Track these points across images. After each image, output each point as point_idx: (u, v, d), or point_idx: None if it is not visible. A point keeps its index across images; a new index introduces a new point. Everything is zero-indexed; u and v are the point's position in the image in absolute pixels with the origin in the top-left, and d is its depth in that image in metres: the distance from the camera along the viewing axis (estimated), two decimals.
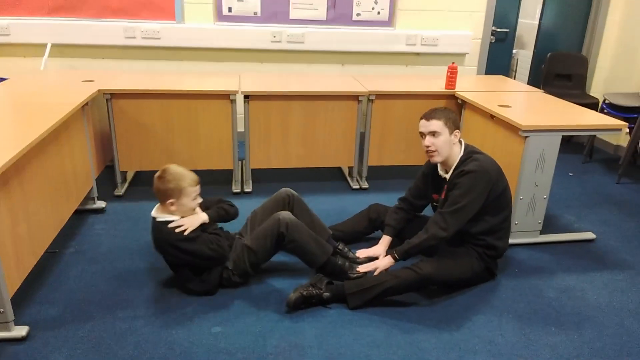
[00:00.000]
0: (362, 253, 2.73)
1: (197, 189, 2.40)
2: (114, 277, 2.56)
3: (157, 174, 2.38)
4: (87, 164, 3.14)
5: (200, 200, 2.43)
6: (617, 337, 2.27)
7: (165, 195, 2.34)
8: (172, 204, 2.35)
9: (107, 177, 3.65)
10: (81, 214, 3.17)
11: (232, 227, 2.70)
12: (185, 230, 2.34)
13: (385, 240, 2.79)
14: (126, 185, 3.65)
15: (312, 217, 2.73)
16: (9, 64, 4.19)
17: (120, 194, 3.51)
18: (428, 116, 2.52)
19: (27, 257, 2.28)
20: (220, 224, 2.62)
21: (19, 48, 4.19)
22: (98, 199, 3.30)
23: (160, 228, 2.35)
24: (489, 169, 2.45)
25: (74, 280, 2.53)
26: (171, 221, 2.35)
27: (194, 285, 2.43)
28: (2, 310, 2.04)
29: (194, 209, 2.42)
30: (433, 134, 2.49)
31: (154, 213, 2.40)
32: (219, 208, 2.54)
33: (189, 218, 2.39)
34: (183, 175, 2.36)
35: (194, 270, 2.42)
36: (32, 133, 2.28)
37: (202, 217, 2.43)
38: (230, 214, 2.58)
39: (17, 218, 2.19)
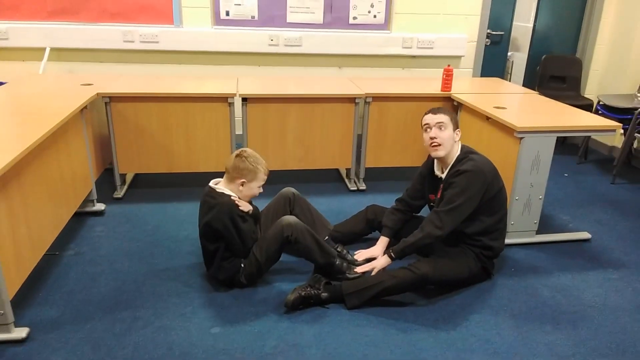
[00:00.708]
0: (360, 255, 2.75)
1: (266, 179, 2.53)
2: (113, 279, 2.58)
3: (235, 152, 2.50)
4: (86, 166, 3.16)
5: (262, 190, 2.55)
6: (613, 335, 2.30)
7: (240, 173, 2.45)
8: (242, 184, 2.47)
9: (106, 179, 3.66)
10: (81, 216, 3.19)
11: None
12: (241, 207, 2.45)
13: (383, 241, 2.81)
14: (125, 187, 3.66)
15: (313, 214, 2.86)
16: (8, 68, 4.20)
17: (120, 196, 3.52)
18: (435, 110, 2.58)
19: (27, 259, 2.29)
20: None
21: (18, 52, 4.21)
22: (97, 202, 3.32)
23: (223, 196, 2.44)
24: (484, 169, 2.48)
25: (74, 282, 2.54)
26: (232, 196, 2.45)
27: (214, 271, 2.50)
28: (2, 312, 2.05)
29: (253, 196, 2.54)
30: (440, 125, 2.52)
31: (214, 184, 2.50)
32: (256, 208, 2.61)
33: (244, 202, 2.51)
34: (261, 160, 2.51)
35: (224, 252, 2.47)
36: (31, 136, 2.29)
37: (250, 206, 2.53)
38: (258, 216, 2.66)
39: (17, 220, 2.20)
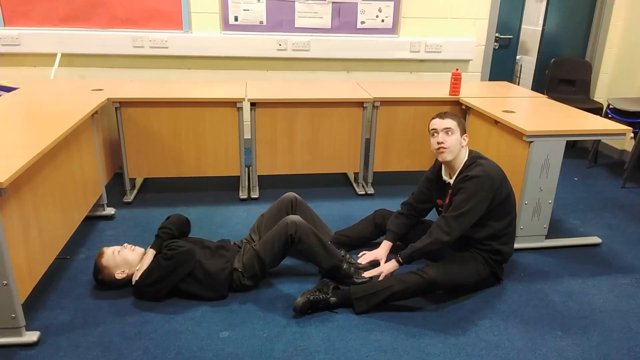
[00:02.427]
0: (365, 258, 2.76)
1: (110, 254, 2.49)
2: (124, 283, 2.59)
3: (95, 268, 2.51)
4: (97, 171, 3.19)
5: (126, 247, 2.52)
6: (624, 341, 2.28)
7: (110, 272, 2.48)
8: (121, 273, 2.48)
9: (116, 184, 3.69)
10: (91, 220, 3.22)
11: (239, 233, 2.72)
12: (142, 270, 2.42)
13: (387, 244, 2.81)
14: (135, 192, 3.69)
15: (315, 221, 2.83)
16: (20, 73, 4.26)
17: (129, 200, 3.55)
18: (442, 115, 2.56)
19: (38, 263, 2.31)
20: (226, 237, 2.69)
21: (29, 58, 4.26)
22: (107, 206, 3.34)
23: (134, 286, 2.45)
24: (492, 174, 2.47)
25: (85, 285, 2.56)
26: (128, 277, 2.48)
27: (206, 294, 2.45)
28: (13, 315, 2.07)
29: (133, 259, 2.49)
30: (447, 131, 2.51)
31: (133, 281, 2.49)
32: (158, 234, 2.56)
33: (141, 262, 2.47)
34: (101, 262, 2.49)
35: (193, 283, 2.43)
36: (42, 141, 2.31)
37: (151, 251, 2.50)
38: (181, 231, 2.63)
39: (29, 225, 2.23)
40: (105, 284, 2.50)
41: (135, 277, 2.42)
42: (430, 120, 2.60)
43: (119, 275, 2.47)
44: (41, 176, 2.37)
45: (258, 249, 2.48)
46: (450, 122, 2.52)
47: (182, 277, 2.41)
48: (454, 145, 2.51)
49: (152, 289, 2.40)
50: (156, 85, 3.76)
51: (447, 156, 2.54)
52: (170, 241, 2.48)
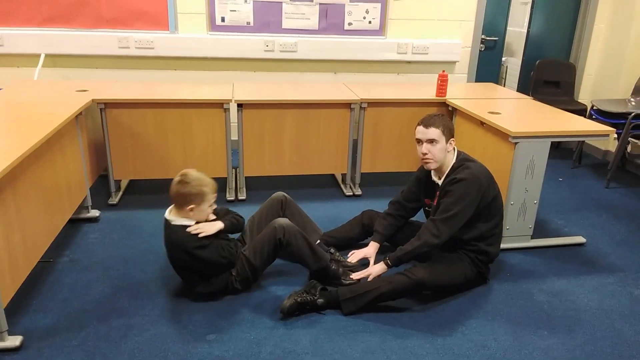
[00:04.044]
0: (354, 257, 2.76)
1: (215, 195, 2.41)
2: (108, 286, 2.57)
3: (177, 179, 2.35)
4: (81, 173, 3.15)
5: (215, 207, 2.45)
6: (608, 339, 2.30)
7: (186, 200, 2.32)
8: (191, 209, 2.34)
9: (101, 186, 3.65)
10: (75, 223, 3.18)
11: None
12: (201, 234, 2.33)
13: (374, 245, 2.81)
14: (120, 194, 3.65)
15: (305, 220, 2.85)
16: (3, 74, 4.19)
17: (114, 202, 3.51)
18: (427, 123, 2.53)
19: (21, 267, 2.28)
20: None
21: (13, 58, 4.20)
22: (92, 208, 3.31)
23: (176, 232, 2.34)
24: (480, 177, 2.48)
25: (68, 289, 2.53)
26: (187, 226, 2.35)
27: (202, 288, 2.45)
28: None
29: (208, 216, 2.43)
30: (431, 141, 2.51)
31: (168, 216, 2.38)
32: (232, 218, 2.54)
33: (206, 224, 2.39)
34: (205, 180, 2.37)
35: (202, 275, 2.43)
36: (25, 143, 2.29)
37: (218, 225, 2.43)
38: (240, 226, 2.60)
39: (11, 227, 2.19)
40: (176, 194, 2.33)
41: (192, 230, 2.33)
42: (416, 127, 2.59)
43: (189, 207, 2.33)
44: (24, 178, 2.33)
45: (248, 254, 2.48)
46: (433, 132, 2.50)
47: (208, 273, 2.42)
48: (438, 155, 2.52)
49: (190, 259, 2.33)
50: (142, 86, 3.73)
51: (431, 165, 2.56)
52: (231, 240, 2.51)
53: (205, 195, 2.34)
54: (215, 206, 2.44)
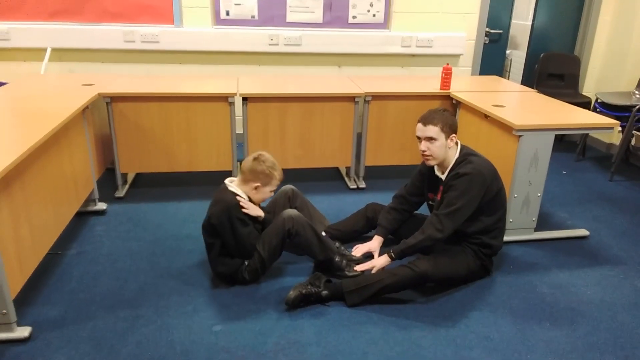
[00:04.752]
0: (358, 251, 2.78)
1: (279, 185, 2.56)
2: (115, 278, 2.60)
3: (253, 156, 2.52)
4: (88, 166, 3.18)
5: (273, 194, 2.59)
6: (611, 331, 2.32)
7: (255, 176, 2.48)
8: (256, 187, 2.49)
9: (107, 179, 3.68)
10: (82, 215, 3.21)
11: None
12: (246, 209, 2.45)
13: (378, 239, 2.83)
14: (127, 187, 3.68)
15: (311, 212, 2.89)
16: (9, 68, 4.22)
17: (121, 195, 3.54)
18: (425, 121, 2.54)
19: (29, 259, 2.31)
20: None
21: (19, 52, 4.22)
22: (99, 201, 3.34)
23: (227, 195, 2.46)
24: (483, 171, 2.49)
25: (76, 281, 2.56)
26: (240, 196, 2.47)
27: (216, 265, 2.53)
28: (4, 311, 2.07)
29: (256, 200, 2.56)
30: (429, 139, 2.53)
31: (228, 182, 2.52)
32: (270, 216, 2.62)
33: (253, 205, 2.53)
34: (277, 166, 2.53)
35: (222, 249, 2.50)
36: (33, 137, 2.31)
37: (259, 212, 2.55)
38: (269, 222, 2.65)
39: (20, 220, 2.22)
40: (249, 170, 2.49)
41: (241, 200, 2.46)
42: (417, 123, 2.59)
43: (255, 185, 2.49)
44: (32, 172, 2.36)
45: (257, 246, 2.51)
46: (431, 130, 2.51)
47: (229, 250, 2.49)
48: (437, 152, 2.54)
49: (225, 223, 2.41)
50: (147, 80, 3.75)
51: (431, 162, 2.58)
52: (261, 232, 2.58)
53: (273, 179, 2.51)
54: (273, 194, 2.58)
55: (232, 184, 2.53)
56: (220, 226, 2.42)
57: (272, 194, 2.58)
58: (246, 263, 2.52)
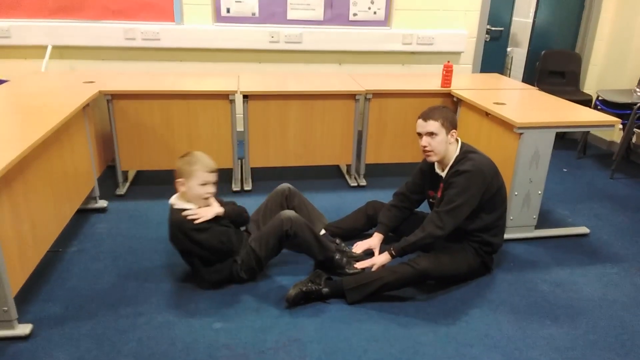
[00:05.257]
0: (358, 248, 2.78)
1: (209, 176, 2.42)
2: (116, 275, 2.60)
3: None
4: (89, 163, 3.18)
5: (212, 190, 2.46)
6: (611, 329, 2.32)
7: (179, 175, 2.41)
8: (181, 183, 2.41)
9: (108, 176, 3.68)
10: (83, 213, 3.21)
11: None
12: (197, 219, 2.37)
13: (378, 236, 2.83)
14: (127, 184, 3.68)
15: (310, 210, 2.88)
16: (10, 66, 4.22)
17: (122, 193, 3.55)
18: (425, 116, 2.55)
19: (30, 256, 2.32)
20: None
21: (20, 50, 4.22)
22: (100, 199, 3.34)
23: (174, 214, 2.40)
24: (483, 168, 2.49)
25: (77, 278, 2.57)
26: (186, 209, 2.40)
27: (209, 276, 2.48)
28: (5, 308, 2.08)
29: (205, 198, 2.45)
30: (430, 134, 2.53)
31: (171, 200, 2.46)
32: (236, 207, 2.59)
33: (204, 209, 2.43)
34: (199, 158, 2.42)
35: (203, 261, 2.46)
36: (34, 134, 2.31)
37: (217, 209, 2.46)
38: (243, 218, 2.63)
39: (20, 217, 2.23)
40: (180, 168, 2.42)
41: (188, 213, 2.37)
42: (417, 119, 2.60)
43: (178, 180, 2.41)
44: (33, 169, 2.36)
45: (254, 245, 2.50)
46: (432, 125, 2.52)
47: (207, 259, 2.46)
48: (438, 148, 2.54)
49: (187, 242, 2.38)
50: (148, 77, 3.75)
51: (432, 158, 2.58)
52: (230, 227, 2.52)
53: (194, 171, 2.38)
54: (211, 189, 2.45)
55: (173, 198, 2.46)
56: (182, 245, 2.43)
57: (208, 187, 2.42)
58: (239, 262, 2.51)
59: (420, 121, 2.57)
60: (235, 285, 2.53)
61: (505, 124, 2.97)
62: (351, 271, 2.57)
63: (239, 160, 3.81)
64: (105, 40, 4.25)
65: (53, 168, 2.61)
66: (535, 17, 4.94)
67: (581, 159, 4.62)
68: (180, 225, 2.37)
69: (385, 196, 3.07)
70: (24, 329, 2.14)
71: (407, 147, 3.84)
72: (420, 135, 2.58)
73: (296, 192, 2.88)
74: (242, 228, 2.73)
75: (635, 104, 4.00)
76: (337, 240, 2.78)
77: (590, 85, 5.01)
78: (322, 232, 2.85)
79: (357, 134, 3.74)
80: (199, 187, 2.40)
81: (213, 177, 2.44)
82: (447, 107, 2.63)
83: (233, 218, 2.55)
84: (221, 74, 4.02)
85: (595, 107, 4.32)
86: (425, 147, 2.55)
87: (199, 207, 2.43)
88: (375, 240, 2.81)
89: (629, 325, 2.35)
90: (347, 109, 3.63)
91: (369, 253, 2.76)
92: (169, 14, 4.28)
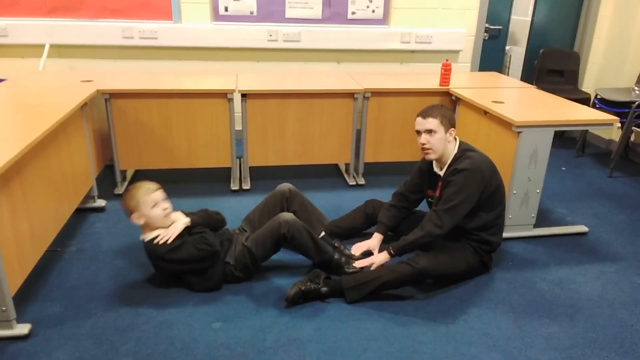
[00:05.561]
0: (357, 249, 2.77)
1: (155, 195, 2.39)
2: (115, 275, 2.60)
3: None
4: (87, 163, 3.17)
5: (167, 206, 2.43)
6: (610, 328, 2.32)
7: (127, 212, 2.41)
8: (137, 217, 2.38)
9: (107, 176, 3.68)
10: (82, 212, 3.21)
11: (231, 225, 2.73)
12: (169, 239, 2.37)
13: (378, 236, 2.83)
14: (126, 183, 3.67)
15: (309, 211, 2.86)
16: (8, 64, 4.21)
17: (120, 192, 3.53)
18: (424, 114, 2.55)
19: (28, 256, 2.31)
20: None
21: (17, 49, 4.21)
22: (98, 198, 3.33)
23: (147, 247, 2.41)
24: (482, 167, 2.49)
25: (76, 277, 2.56)
26: (155, 238, 2.39)
27: (200, 286, 2.47)
28: (4, 308, 2.07)
29: (166, 216, 2.42)
30: (429, 132, 2.53)
31: (141, 237, 2.45)
32: (202, 212, 2.56)
33: (171, 227, 2.41)
34: (136, 188, 2.41)
35: (195, 273, 2.45)
36: (32, 133, 2.30)
37: (183, 220, 2.45)
38: (214, 219, 2.60)
39: (19, 217, 2.22)
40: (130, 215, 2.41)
41: (158, 240, 2.36)
42: (416, 117, 2.60)
43: (132, 216, 2.38)
44: (30, 168, 2.36)
45: (249, 244, 2.49)
46: (431, 123, 2.52)
47: (198, 269, 2.43)
48: (437, 145, 2.53)
49: (170, 265, 2.39)
50: (146, 76, 3.74)
51: (431, 156, 2.57)
52: (205, 231, 2.46)
53: (138, 201, 2.36)
54: (166, 205, 2.42)
55: (143, 234, 2.44)
56: (164, 269, 2.44)
57: (161, 205, 2.40)
58: (232, 262, 2.49)
59: (419, 119, 2.57)
60: (234, 285, 2.53)
61: (504, 123, 2.97)
62: (350, 270, 2.57)
63: (238, 159, 3.80)
64: (103, 39, 4.24)
65: (51, 167, 2.60)
66: (533, 15, 4.94)
67: (580, 157, 4.62)
68: (155, 254, 2.38)
69: (384, 195, 3.07)
70: (23, 328, 2.14)
71: (405, 146, 3.84)
72: (419, 132, 2.57)
73: (297, 193, 2.86)
74: (240, 229, 2.73)
75: (634, 102, 4.00)
76: (337, 243, 2.77)
77: (589, 84, 5.01)
78: (321, 234, 2.84)
79: (356, 133, 3.74)
80: (152, 210, 2.38)
81: (159, 194, 2.42)
82: (445, 105, 2.62)
83: (203, 223, 2.51)
84: (219, 72, 4.02)
85: (594, 106, 4.32)
86: (423, 144, 2.55)
87: (167, 228, 2.42)
88: (374, 241, 2.80)
89: (628, 323, 2.35)
90: (345, 108, 3.63)
91: (367, 254, 2.75)
92: (167, 13, 4.27)
